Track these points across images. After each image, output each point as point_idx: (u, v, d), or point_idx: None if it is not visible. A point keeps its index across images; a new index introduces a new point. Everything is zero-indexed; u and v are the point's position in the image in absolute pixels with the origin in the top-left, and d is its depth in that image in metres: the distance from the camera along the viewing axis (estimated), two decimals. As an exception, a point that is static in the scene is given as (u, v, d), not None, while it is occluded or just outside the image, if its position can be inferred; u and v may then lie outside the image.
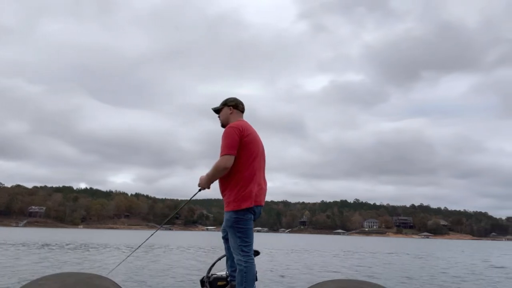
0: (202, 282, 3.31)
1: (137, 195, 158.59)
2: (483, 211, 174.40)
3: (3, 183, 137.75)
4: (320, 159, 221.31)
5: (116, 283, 3.06)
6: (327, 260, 14.72)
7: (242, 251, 2.97)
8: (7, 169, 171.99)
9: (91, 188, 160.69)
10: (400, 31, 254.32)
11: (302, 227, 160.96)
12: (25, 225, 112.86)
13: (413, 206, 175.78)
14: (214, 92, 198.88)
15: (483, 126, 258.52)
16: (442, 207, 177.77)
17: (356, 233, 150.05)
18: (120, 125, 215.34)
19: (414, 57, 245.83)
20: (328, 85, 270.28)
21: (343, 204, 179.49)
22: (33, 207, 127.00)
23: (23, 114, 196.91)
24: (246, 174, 3.03)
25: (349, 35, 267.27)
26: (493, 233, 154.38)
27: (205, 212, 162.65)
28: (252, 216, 3.05)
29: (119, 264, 6.77)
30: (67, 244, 19.63)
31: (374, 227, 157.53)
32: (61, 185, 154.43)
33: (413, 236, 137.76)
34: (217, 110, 3.39)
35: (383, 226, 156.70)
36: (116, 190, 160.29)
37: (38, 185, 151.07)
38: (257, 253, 3.19)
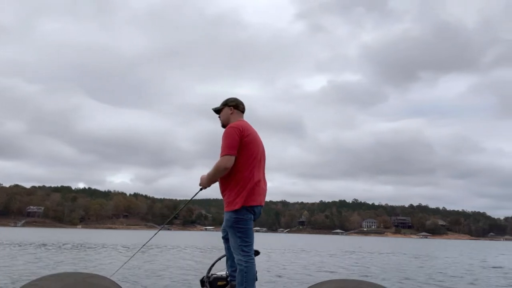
0: (202, 282, 3.32)
1: (135, 195, 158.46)
2: (481, 211, 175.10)
3: (1, 182, 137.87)
4: (319, 159, 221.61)
5: (116, 283, 3.07)
6: (325, 260, 14.74)
7: (243, 251, 2.98)
8: (5, 169, 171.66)
9: (89, 188, 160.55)
10: (398, 31, 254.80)
11: (300, 227, 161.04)
12: (23, 225, 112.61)
13: (411, 206, 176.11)
14: (213, 92, 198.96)
15: (481, 126, 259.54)
16: (441, 207, 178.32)
17: (354, 233, 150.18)
18: (119, 125, 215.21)
19: (412, 57, 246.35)
20: (326, 85, 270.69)
21: (342, 204, 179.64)
22: (31, 207, 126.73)
23: (22, 113, 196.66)
24: (246, 174, 3.04)
25: (347, 35, 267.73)
26: (491, 233, 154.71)
27: (203, 212, 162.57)
28: (252, 216, 3.06)
29: (121, 267, 6.76)
30: (64, 244, 19.60)
31: (373, 227, 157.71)
32: (59, 185, 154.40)
33: (412, 236, 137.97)
34: (217, 110, 3.40)
35: (381, 226, 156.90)
36: (114, 190, 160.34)
37: (37, 185, 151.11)
38: (257, 253, 3.21)
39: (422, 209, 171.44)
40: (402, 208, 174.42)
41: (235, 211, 2.99)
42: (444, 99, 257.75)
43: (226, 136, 3.05)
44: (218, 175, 3.08)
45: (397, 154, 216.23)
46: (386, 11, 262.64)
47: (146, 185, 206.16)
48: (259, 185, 3.11)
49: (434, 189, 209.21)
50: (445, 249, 31.23)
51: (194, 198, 3.48)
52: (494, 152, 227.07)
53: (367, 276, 9.24)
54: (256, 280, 3.01)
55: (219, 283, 3.27)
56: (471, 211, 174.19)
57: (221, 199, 3.23)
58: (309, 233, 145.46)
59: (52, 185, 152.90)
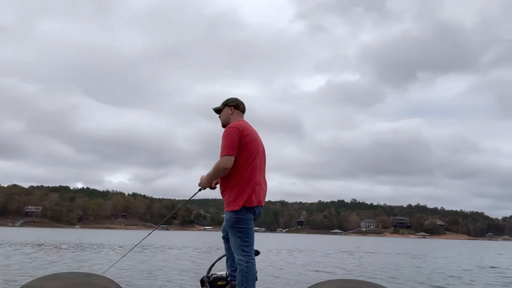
0: (202, 282, 3.32)
1: (134, 195, 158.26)
2: (479, 211, 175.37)
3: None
4: (317, 159, 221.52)
5: (116, 283, 3.06)
6: (324, 260, 14.76)
7: (243, 251, 2.98)
8: (4, 169, 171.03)
9: (88, 188, 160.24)
10: (397, 31, 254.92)
11: (299, 227, 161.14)
12: (21, 225, 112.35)
13: (410, 206, 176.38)
14: (212, 92, 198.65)
15: (480, 126, 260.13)
16: (439, 207, 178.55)
17: (353, 233, 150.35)
18: (117, 124, 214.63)
19: (410, 58, 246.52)
20: (325, 85, 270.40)
21: (340, 204, 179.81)
22: (30, 207, 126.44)
23: (20, 113, 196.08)
24: (246, 174, 3.04)
25: (346, 35, 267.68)
26: (489, 233, 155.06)
27: (202, 212, 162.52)
28: (253, 216, 3.06)
29: (113, 265, 6.73)
30: (60, 244, 19.56)
31: (371, 227, 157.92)
32: (57, 185, 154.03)
33: (410, 236, 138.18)
34: (218, 110, 3.40)
35: (380, 226, 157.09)
36: (113, 190, 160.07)
37: (35, 184, 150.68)
38: (257, 252, 3.21)
39: (421, 209, 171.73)
40: (401, 208, 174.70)
41: (236, 211, 2.99)
42: (443, 99, 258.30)
43: (225, 136, 3.05)
44: (218, 175, 3.08)
45: (396, 154, 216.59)
46: (385, 11, 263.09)
47: (144, 185, 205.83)
48: (259, 185, 3.11)
49: (432, 189, 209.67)
50: (443, 249, 31.30)
51: (193, 198, 3.48)
52: (493, 152, 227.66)
53: (365, 276, 9.25)
54: (256, 280, 3.02)
55: (219, 283, 3.27)
56: (470, 211, 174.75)
57: (219, 199, 3.23)
58: (308, 233, 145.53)
59: (50, 185, 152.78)
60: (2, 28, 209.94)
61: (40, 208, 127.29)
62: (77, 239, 27.79)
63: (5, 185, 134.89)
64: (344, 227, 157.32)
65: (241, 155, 3.05)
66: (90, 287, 2.72)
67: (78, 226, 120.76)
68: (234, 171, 3.04)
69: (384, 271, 10.77)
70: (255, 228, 3.20)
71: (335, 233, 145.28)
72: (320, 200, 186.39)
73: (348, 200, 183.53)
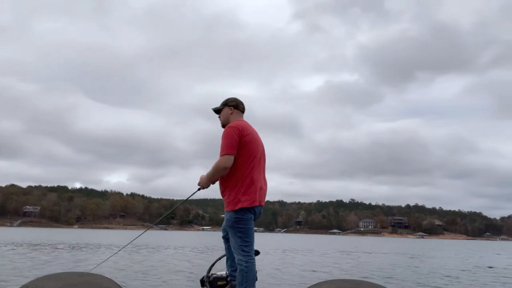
0: (202, 281, 3.32)
1: (132, 195, 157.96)
2: (477, 211, 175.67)
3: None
4: (316, 159, 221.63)
5: (116, 283, 3.06)
6: (322, 260, 14.77)
7: (243, 251, 2.98)
8: (1, 168, 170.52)
9: (86, 188, 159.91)
10: (394, 31, 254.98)
11: (298, 227, 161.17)
12: (19, 225, 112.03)
13: (408, 206, 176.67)
14: (210, 92, 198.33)
15: (478, 126, 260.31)
16: (437, 207, 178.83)
17: (351, 233, 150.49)
18: (116, 124, 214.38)
19: (408, 58, 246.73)
20: (323, 85, 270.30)
21: (339, 204, 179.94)
22: (28, 206, 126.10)
23: (18, 113, 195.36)
24: (246, 174, 3.04)
25: (344, 36, 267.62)
26: (487, 233, 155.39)
27: (201, 212, 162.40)
28: (253, 216, 3.06)
29: (103, 262, 6.68)
30: (56, 244, 19.52)
31: (370, 227, 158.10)
32: (55, 185, 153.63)
33: (408, 236, 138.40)
34: (217, 110, 3.40)
35: (378, 226, 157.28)
36: (111, 190, 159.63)
37: (33, 184, 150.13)
38: (257, 252, 3.21)
39: (419, 209, 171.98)
40: (399, 208, 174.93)
41: (236, 211, 3.00)
42: (440, 100, 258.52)
43: (225, 136, 3.06)
44: (218, 175, 3.08)
45: (394, 154, 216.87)
46: (383, 12, 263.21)
47: (143, 185, 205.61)
48: (259, 185, 3.11)
49: (430, 189, 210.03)
50: (441, 249, 31.37)
51: (192, 198, 3.48)
52: (491, 152, 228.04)
53: (364, 276, 9.27)
54: (256, 280, 3.02)
55: (219, 283, 3.27)
56: (468, 211, 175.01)
57: (218, 199, 3.24)
58: (306, 233, 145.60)
59: (49, 185, 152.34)
60: (0, 27, 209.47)
61: (38, 208, 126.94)
62: (74, 239, 27.74)
63: (3, 185, 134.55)
64: (342, 227, 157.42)
65: (241, 155, 3.05)
66: (90, 286, 2.72)
67: (76, 226, 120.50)
68: (234, 170, 3.04)
69: (382, 271, 10.78)
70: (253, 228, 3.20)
71: (334, 233, 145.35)
72: (318, 200, 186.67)
73: (346, 200, 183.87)
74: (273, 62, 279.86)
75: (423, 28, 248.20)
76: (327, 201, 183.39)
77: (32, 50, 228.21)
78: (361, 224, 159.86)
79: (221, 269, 3.41)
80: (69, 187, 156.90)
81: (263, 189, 3.17)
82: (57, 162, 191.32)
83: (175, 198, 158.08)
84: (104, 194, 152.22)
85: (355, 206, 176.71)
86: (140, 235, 4.44)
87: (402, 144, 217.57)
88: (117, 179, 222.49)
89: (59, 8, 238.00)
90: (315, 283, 2.97)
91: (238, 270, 2.99)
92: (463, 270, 11.94)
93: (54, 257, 11.79)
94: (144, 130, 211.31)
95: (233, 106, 3.33)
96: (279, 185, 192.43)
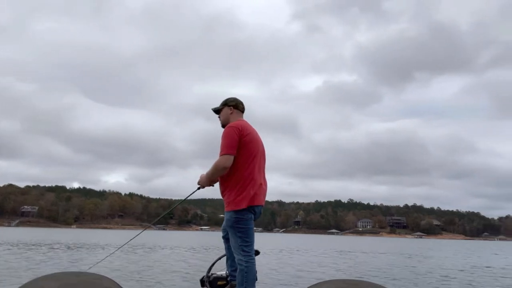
0: (202, 281, 3.32)
1: (130, 195, 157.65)
2: (475, 211, 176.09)
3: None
4: (314, 159, 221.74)
5: (116, 282, 3.06)
6: (321, 260, 14.78)
7: (243, 251, 2.98)
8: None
9: (84, 188, 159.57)
10: (393, 32, 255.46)
11: (296, 227, 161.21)
12: (17, 225, 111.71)
13: (406, 206, 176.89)
14: (209, 92, 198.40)
15: (476, 127, 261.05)
16: (435, 207, 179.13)
17: (350, 233, 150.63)
18: (114, 124, 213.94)
19: (407, 58, 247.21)
20: (321, 85, 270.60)
21: (337, 204, 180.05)
22: (26, 206, 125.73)
23: (16, 112, 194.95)
24: (246, 173, 3.04)
25: (342, 36, 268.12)
26: (485, 233, 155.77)
27: (199, 212, 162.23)
28: (253, 216, 3.06)
29: (99, 262, 6.65)
30: (52, 244, 19.47)
31: (368, 227, 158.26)
32: (53, 185, 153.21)
33: (407, 236, 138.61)
34: (217, 110, 3.40)
35: (376, 226, 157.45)
36: (109, 190, 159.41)
37: (31, 184, 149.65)
38: (257, 252, 3.21)
39: (417, 209, 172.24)
40: (397, 208, 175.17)
41: (236, 211, 2.99)
42: (439, 100, 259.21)
43: (225, 136, 3.06)
44: (217, 174, 3.08)
45: (392, 154, 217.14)
46: (381, 12, 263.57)
47: (141, 185, 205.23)
48: (259, 185, 3.11)
49: (429, 189, 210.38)
50: (439, 249, 31.43)
51: (190, 197, 3.48)
52: (489, 152, 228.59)
53: (362, 276, 9.28)
54: (256, 280, 3.02)
55: (219, 282, 3.27)
56: (466, 211, 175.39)
57: (216, 199, 3.24)
58: (305, 233, 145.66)
59: (47, 185, 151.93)
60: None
61: (36, 208, 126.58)
62: (72, 239, 27.68)
63: (1, 185, 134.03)
64: (341, 227, 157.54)
65: (240, 155, 3.05)
66: (90, 286, 2.72)
67: (75, 226, 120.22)
68: (234, 170, 3.04)
69: (380, 271, 10.80)
70: (252, 228, 3.19)
71: (332, 233, 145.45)
72: (317, 200, 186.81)
73: (345, 200, 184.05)
74: (272, 62, 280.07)
75: (421, 28, 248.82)
76: (326, 201, 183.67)
77: (31, 50, 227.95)
78: (359, 224, 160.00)
79: (221, 269, 3.42)
80: (67, 187, 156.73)
81: (263, 189, 3.16)
82: (55, 162, 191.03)
83: (174, 198, 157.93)
84: (102, 194, 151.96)
85: (353, 206, 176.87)
86: (137, 235, 4.43)
87: (401, 144, 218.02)
88: (116, 179, 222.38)
89: (58, 8, 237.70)
90: (315, 283, 2.98)
91: (238, 270, 2.99)
92: (461, 270, 11.97)
93: (49, 257, 11.76)
94: (142, 130, 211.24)
95: (232, 106, 3.33)
96: (278, 185, 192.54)
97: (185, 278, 7.76)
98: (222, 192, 3.15)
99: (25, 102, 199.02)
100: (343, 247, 28.87)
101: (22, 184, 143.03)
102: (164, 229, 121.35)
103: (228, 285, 3.22)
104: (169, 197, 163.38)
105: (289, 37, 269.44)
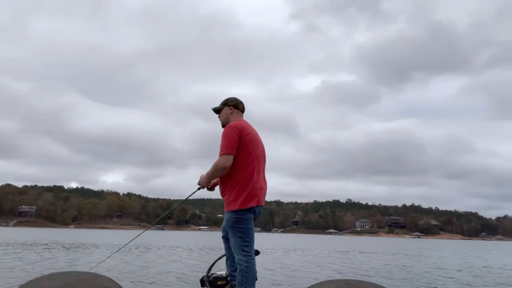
0: (202, 281, 3.32)
1: (129, 195, 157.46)
2: (473, 211, 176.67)
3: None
4: (313, 159, 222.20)
5: (115, 282, 3.06)
6: (318, 260, 14.79)
7: (243, 250, 2.97)
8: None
9: (82, 188, 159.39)
10: (391, 32, 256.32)
11: (294, 227, 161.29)
12: (15, 225, 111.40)
13: (404, 206, 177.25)
14: (207, 92, 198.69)
15: (474, 127, 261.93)
16: (433, 207, 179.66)
17: (348, 233, 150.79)
18: (112, 124, 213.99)
19: (405, 58, 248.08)
20: (320, 85, 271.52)
21: (336, 204, 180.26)
22: (23, 206, 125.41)
23: (14, 112, 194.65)
24: (246, 173, 3.04)
25: (340, 36, 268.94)
26: (483, 233, 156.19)
27: (197, 212, 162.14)
28: (253, 216, 3.06)
29: (101, 262, 6.64)
30: (51, 244, 19.41)
31: (366, 227, 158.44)
32: (51, 185, 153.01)
33: (405, 236, 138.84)
34: (217, 110, 3.39)
35: (375, 226, 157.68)
36: (107, 190, 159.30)
37: (29, 184, 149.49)
38: (257, 252, 3.21)
39: (415, 209, 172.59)
40: (395, 208, 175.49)
41: (236, 211, 2.99)
42: (437, 100, 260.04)
43: (225, 136, 3.05)
44: (217, 174, 3.07)
45: (391, 154, 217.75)
46: (379, 12, 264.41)
47: (139, 184, 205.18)
48: (259, 185, 3.11)
49: (427, 189, 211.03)
50: (437, 249, 31.49)
51: (190, 197, 3.47)
52: (487, 152, 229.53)
53: (360, 275, 9.29)
54: (256, 280, 3.02)
55: (219, 282, 3.27)
56: (464, 211, 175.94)
57: (215, 199, 3.24)
58: (303, 233, 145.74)
59: (45, 185, 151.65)
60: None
61: (34, 207, 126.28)
62: (69, 239, 27.60)
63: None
64: (339, 227, 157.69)
65: (240, 155, 3.04)
66: (91, 286, 2.71)
67: (73, 226, 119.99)
68: (234, 170, 3.03)
69: (378, 271, 10.81)
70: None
71: (330, 233, 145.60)
72: (315, 200, 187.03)
73: (343, 200, 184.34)
74: (271, 62, 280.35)
75: (419, 28, 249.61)
76: (324, 201, 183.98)
77: (30, 49, 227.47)
78: (357, 224, 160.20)
79: (221, 269, 3.42)
80: (65, 187, 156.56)
81: (263, 189, 3.16)
82: (53, 162, 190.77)
83: (172, 198, 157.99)
84: (100, 194, 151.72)
85: (351, 206, 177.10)
86: (139, 234, 4.42)
87: (399, 144, 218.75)
88: (114, 179, 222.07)
89: (57, 7, 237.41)
90: (315, 283, 2.98)
91: (238, 270, 2.99)
92: (459, 270, 12.00)
93: (43, 257, 11.71)
94: (141, 130, 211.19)
95: (232, 106, 3.32)
96: (276, 185, 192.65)
97: (181, 279, 7.73)
98: (222, 192, 3.15)
99: (23, 102, 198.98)
100: (341, 247, 28.90)
101: (20, 184, 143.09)
102: (162, 229, 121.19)
103: (228, 285, 3.22)
104: (167, 197, 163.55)
105: (287, 37, 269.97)
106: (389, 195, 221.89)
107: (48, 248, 15.76)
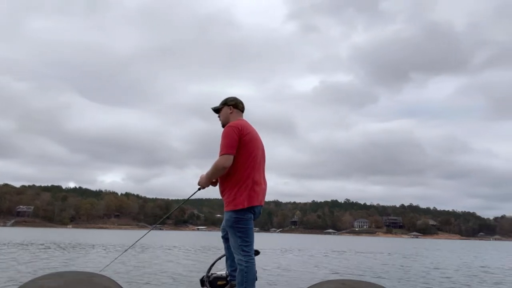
0: (202, 281, 3.32)
1: (127, 195, 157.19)
2: (471, 211, 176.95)
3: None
4: (311, 159, 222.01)
5: (115, 282, 3.06)
6: (317, 260, 14.80)
7: (243, 250, 2.98)
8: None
9: (80, 188, 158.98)
10: (389, 32, 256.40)
11: (293, 227, 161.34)
12: (12, 225, 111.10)
13: (402, 206, 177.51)
14: (205, 92, 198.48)
15: (471, 127, 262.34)
16: (431, 207, 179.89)
17: (346, 232, 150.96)
18: (110, 124, 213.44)
19: (403, 59, 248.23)
20: (318, 85, 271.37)
21: (334, 204, 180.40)
22: (21, 206, 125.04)
23: (11, 111, 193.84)
24: (246, 173, 3.04)
25: (338, 36, 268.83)
26: (481, 233, 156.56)
27: (196, 212, 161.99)
28: (252, 216, 3.06)
29: (109, 264, 6.64)
30: (49, 244, 19.36)
31: (364, 227, 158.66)
32: (49, 184, 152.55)
33: (403, 236, 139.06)
34: (217, 110, 3.40)
35: (373, 226, 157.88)
36: (106, 190, 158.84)
37: (26, 184, 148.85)
38: (257, 252, 3.21)
39: (413, 209, 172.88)
40: (394, 208, 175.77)
41: (235, 211, 2.99)
42: (434, 100, 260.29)
43: (224, 136, 3.05)
44: (217, 174, 3.08)
45: (389, 154, 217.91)
46: (378, 12, 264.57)
47: (138, 184, 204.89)
48: (259, 185, 3.11)
49: (425, 189, 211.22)
50: (435, 249, 31.56)
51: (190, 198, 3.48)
52: (484, 152, 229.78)
53: (359, 275, 9.31)
54: (256, 279, 3.03)
55: (219, 282, 3.27)
56: (461, 211, 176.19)
57: (214, 199, 3.24)
58: (302, 233, 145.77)
59: (42, 184, 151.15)
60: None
61: (32, 207, 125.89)
62: (66, 238, 27.53)
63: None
64: (337, 227, 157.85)
65: (240, 155, 3.05)
66: (90, 286, 2.71)
67: (71, 226, 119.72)
68: (234, 170, 3.03)
69: (375, 271, 10.83)
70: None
71: (329, 233, 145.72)
72: (313, 200, 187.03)
73: (341, 200, 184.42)
74: (268, 62, 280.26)
75: (417, 29, 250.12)
76: (322, 201, 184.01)
77: (27, 49, 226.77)
78: (356, 224, 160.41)
79: (221, 269, 3.42)
80: (63, 187, 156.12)
81: (262, 189, 3.16)
82: (51, 162, 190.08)
83: (171, 198, 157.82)
84: (98, 194, 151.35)
85: (350, 206, 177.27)
86: (144, 234, 4.45)
87: (397, 145, 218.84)
88: (112, 179, 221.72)
89: (54, 7, 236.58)
90: (315, 283, 2.99)
91: (238, 270, 2.99)
92: (456, 270, 12.03)
93: (38, 256, 11.67)
94: (139, 130, 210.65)
95: (232, 106, 3.32)
96: (275, 185, 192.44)
97: (176, 280, 7.72)
98: (222, 192, 3.15)
99: (20, 101, 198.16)
100: (339, 247, 28.93)
101: (17, 184, 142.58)
102: (160, 229, 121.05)
103: (228, 285, 3.22)
104: (165, 197, 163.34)
105: (286, 37, 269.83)
106: (387, 195, 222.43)
107: (44, 248, 15.71)
